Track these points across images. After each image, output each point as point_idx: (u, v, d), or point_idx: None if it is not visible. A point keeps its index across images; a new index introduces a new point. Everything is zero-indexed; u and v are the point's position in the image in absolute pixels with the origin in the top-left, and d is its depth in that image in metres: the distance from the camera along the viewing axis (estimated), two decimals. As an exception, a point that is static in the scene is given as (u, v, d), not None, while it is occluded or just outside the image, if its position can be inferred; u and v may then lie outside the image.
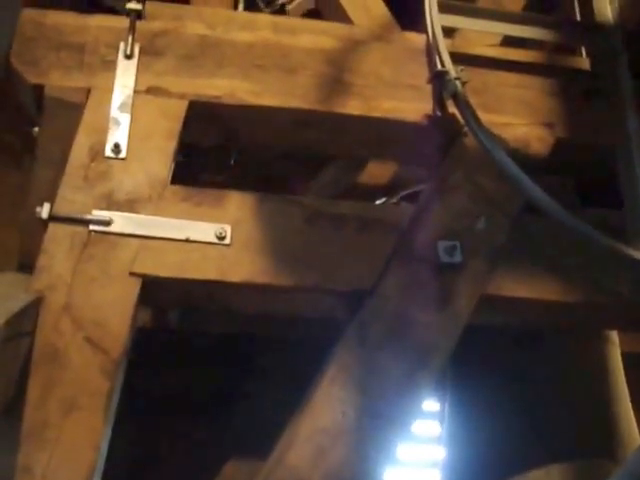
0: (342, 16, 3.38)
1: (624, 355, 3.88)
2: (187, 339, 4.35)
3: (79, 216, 2.63)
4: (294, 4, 4.22)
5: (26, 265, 2.76)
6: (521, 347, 3.69)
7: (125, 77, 2.87)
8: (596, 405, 3.67)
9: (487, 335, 3.36)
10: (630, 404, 3.72)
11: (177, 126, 2.86)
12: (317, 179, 4.76)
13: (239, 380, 4.56)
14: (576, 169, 3.46)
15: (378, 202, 4.54)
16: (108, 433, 2.56)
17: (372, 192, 4.62)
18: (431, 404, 4.80)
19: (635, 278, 2.88)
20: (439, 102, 3.04)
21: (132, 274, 2.60)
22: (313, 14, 3.75)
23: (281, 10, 3.94)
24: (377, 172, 4.73)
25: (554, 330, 3.60)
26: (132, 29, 2.93)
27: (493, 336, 3.53)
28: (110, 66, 2.89)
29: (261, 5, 3.84)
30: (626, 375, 3.79)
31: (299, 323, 3.79)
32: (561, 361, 3.71)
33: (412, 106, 3.07)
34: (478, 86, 3.13)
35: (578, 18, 3.54)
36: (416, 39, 3.23)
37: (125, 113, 2.81)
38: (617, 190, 3.06)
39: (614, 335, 3.88)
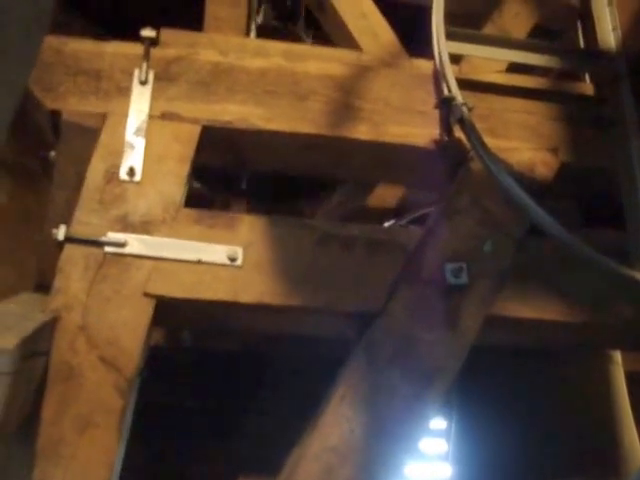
0: (351, 43, 3.41)
1: (627, 374, 3.90)
2: (199, 358, 4.38)
3: (94, 238, 2.67)
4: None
5: (43, 285, 2.80)
6: (526, 366, 3.72)
7: (140, 102, 2.93)
8: (599, 423, 3.70)
9: (493, 354, 3.39)
10: (633, 422, 3.75)
11: (190, 150, 2.91)
12: (327, 202, 4.80)
13: (250, 398, 4.59)
14: (580, 192, 3.49)
15: (386, 224, 4.57)
16: (122, 450, 2.59)
17: (381, 215, 4.66)
18: (438, 422, 4.83)
19: (637, 299, 2.91)
20: (446, 127, 3.08)
21: (146, 294, 2.64)
22: (323, 39, 3.80)
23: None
24: (386, 195, 4.77)
25: (558, 350, 3.62)
26: (147, 56, 2.99)
27: (499, 355, 3.55)
28: (125, 92, 2.95)
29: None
30: (629, 394, 3.82)
31: (309, 343, 3.81)
32: (565, 380, 3.74)
33: (420, 131, 3.11)
34: (484, 111, 3.18)
35: (582, 45, 3.58)
36: (424, 65, 3.28)
37: (140, 137, 2.86)
38: (621, 211, 3.09)
39: (617, 355, 3.91)
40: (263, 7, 4.16)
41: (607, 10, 3.39)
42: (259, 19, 4.05)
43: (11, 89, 1.49)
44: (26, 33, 1.38)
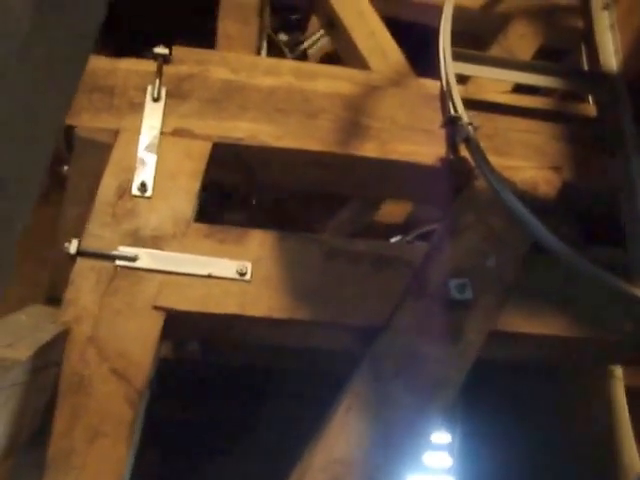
0: (360, 62, 3.45)
1: (628, 389, 3.93)
2: (207, 371, 4.40)
3: (106, 252, 2.71)
4: (315, 48, 4.35)
5: (54, 298, 2.83)
6: (529, 381, 3.75)
7: (152, 119, 2.97)
8: (599, 439, 3.72)
9: (496, 369, 3.41)
10: (633, 438, 3.77)
11: (201, 166, 2.95)
12: (335, 218, 4.84)
13: (257, 411, 4.61)
14: (582, 210, 3.52)
15: (393, 240, 4.61)
16: (131, 461, 2.60)
17: (388, 230, 4.69)
18: (442, 436, 4.84)
19: (637, 315, 2.95)
20: (452, 146, 3.12)
21: (156, 308, 2.67)
22: (332, 58, 3.85)
23: (303, 55, 4.04)
24: (393, 211, 4.81)
25: (560, 365, 3.65)
26: (159, 73, 3.04)
27: (502, 370, 3.58)
28: (138, 108, 2.99)
29: (285, 51, 3.94)
30: (629, 409, 3.84)
31: (316, 356, 3.83)
32: (566, 395, 3.77)
33: (426, 149, 3.15)
34: (489, 131, 3.22)
35: (585, 67, 3.63)
36: (431, 85, 3.32)
37: (152, 153, 2.90)
38: (621, 229, 3.14)
39: (617, 369, 3.93)
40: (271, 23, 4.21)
41: (609, 33, 3.44)
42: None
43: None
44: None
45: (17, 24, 1.13)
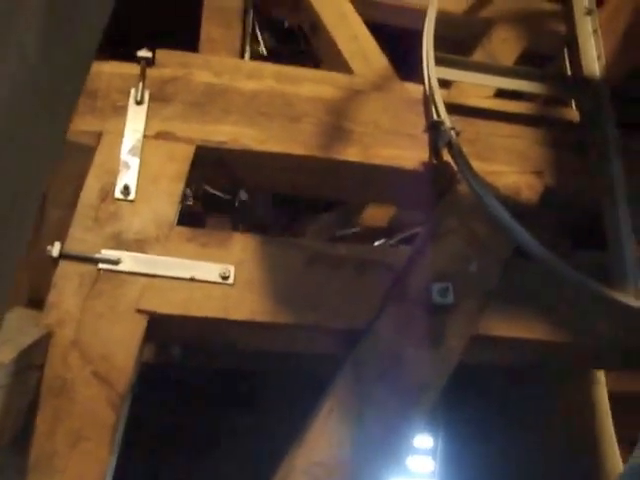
0: (343, 65, 3.45)
1: (611, 394, 3.94)
2: (189, 374, 4.40)
3: (89, 255, 2.70)
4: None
5: (36, 301, 2.82)
6: (512, 384, 3.76)
7: (135, 122, 2.97)
8: (581, 444, 3.73)
9: (479, 372, 3.42)
10: (615, 442, 3.78)
11: (184, 170, 2.94)
12: (319, 221, 4.84)
13: (239, 414, 4.60)
14: (564, 215, 3.54)
15: (377, 244, 4.61)
16: (113, 464, 2.60)
17: (371, 234, 4.69)
18: (425, 440, 4.85)
19: (619, 320, 2.97)
20: (434, 151, 3.12)
21: (139, 311, 2.67)
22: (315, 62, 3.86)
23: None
24: (376, 215, 4.81)
25: (543, 368, 3.66)
26: (142, 76, 3.03)
27: (485, 373, 3.59)
28: (121, 111, 2.98)
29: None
30: (613, 414, 3.86)
31: (298, 359, 3.84)
32: (550, 398, 3.78)
33: (409, 154, 3.16)
34: (472, 135, 3.23)
35: (568, 72, 3.65)
36: (414, 89, 3.33)
37: (135, 156, 2.90)
38: (603, 233, 3.13)
39: (600, 374, 3.95)
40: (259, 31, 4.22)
41: (592, 39, 3.44)
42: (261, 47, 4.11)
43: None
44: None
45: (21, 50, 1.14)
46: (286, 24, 4.46)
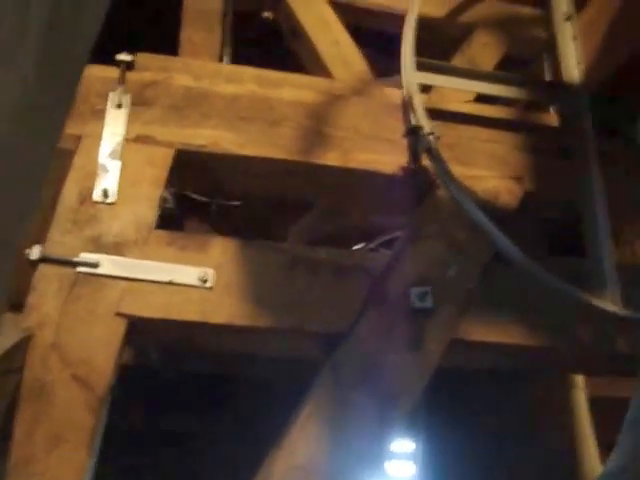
0: (323, 70, 3.47)
1: (590, 398, 3.96)
2: (168, 378, 4.39)
3: (68, 258, 2.69)
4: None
5: (15, 304, 2.80)
6: (492, 388, 3.78)
7: (114, 125, 2.96)
8: (562, 446, 3.75)
9: (459, 376, 3.43)
10: (595, 447, 3.80)
11: (164, 173, 2.94)
12: (297, 224, 4.84)
13: (218, 417, 4.60)
14: (543, 220, 3.55)
15: (356, 247, 4.62)
16: (92, 467, 2.58)
17: (350, 238, 4.70)
18: (406, 445, 4.85)
19: (598, 325, 2.98)
20: (414, 155, 3.12)
21: (118, 314, 2.66)
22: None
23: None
24: (355, 218, 4.81)
25: (522, 373, 3.67)
26: (122, 79, 3.03)
27: (465, 377, 3.60)
28: (100, 114, 2.97)
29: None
30: (592, 418, 3.88)
31: (277, 363, 3.83)
32: (530, 402, 3.80)
33: (388, 158, 3.16)
34: (452, 140, 3.23)
35: (548, 76, 3.66)
36: (394, 94, 3.33)
37: (114, 160, 2.89)
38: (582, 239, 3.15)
39: (579, 379, 3.97)
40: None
41: (572, 45, 3.45)
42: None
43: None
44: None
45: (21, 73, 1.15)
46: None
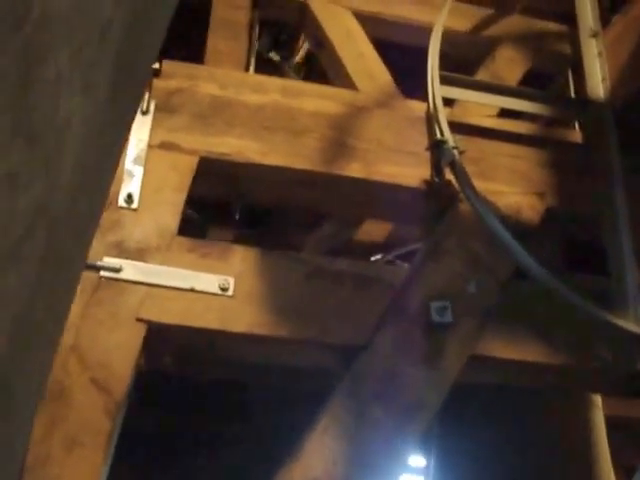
0: (347, 81, 3.47)
1: (607, 418, 3.94)
2: (182, 384, 4.39)
3: (90, 262, 2.68)
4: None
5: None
6: (507, 406, 3.76)
7: (140, 131, 2.96)
8: (579, 468, 3.73)
9: (472, 391, 3.41)
10: (611, 468, 3.78)
11: (187, 180, 2.94)
12: (315, 233, 4.84)
13: (231, 426, 4.60)
14: (565, 237, 3.54)
15: (373, 259, 4.62)
16: (107, 472, 2.60)
17: (368, 248, 4.70)
18: (418, 459, 4.84)
19: (618, 344, 2.97)
20: (437, 169, 3.12)
21: (138, 319, 2.67)
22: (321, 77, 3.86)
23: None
24: (373, 229, 4.82)
25: (539, 391, 3.66)
26: (149, 86, 3.04)
27: (479, 392, 3.59)
28: (126, 120, 2.99)
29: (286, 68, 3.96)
30: (608, 438, 3.86)
31: (294, 374, 3.83)
32: (545, 418, 3.78)
33: (411, 171, 3.16)
34: (475, 155, 3.22)
35: (572, 94, 3.67)
36: (417, 107, 3.34)
37: (139, 166, 2.90)
38: (604, 257, 3.13)
39: (597, 398, 3.95)
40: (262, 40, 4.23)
41: (597, 61, 3.46)
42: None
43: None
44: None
45: None
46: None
